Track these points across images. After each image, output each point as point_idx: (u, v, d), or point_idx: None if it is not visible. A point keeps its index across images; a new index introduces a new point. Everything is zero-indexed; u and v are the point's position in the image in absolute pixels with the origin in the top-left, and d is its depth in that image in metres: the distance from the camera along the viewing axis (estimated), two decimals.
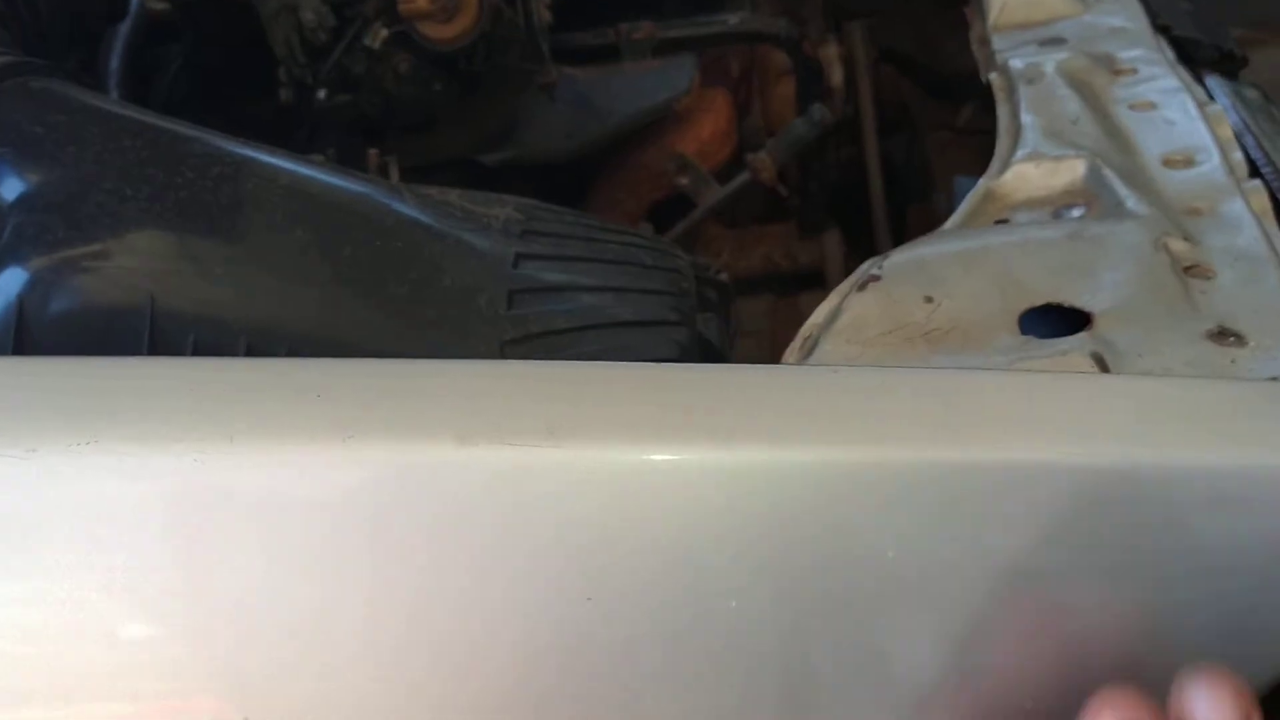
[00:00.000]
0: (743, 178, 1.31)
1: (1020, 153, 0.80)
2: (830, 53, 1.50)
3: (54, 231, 0.72)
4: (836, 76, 1.49)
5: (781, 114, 1.50)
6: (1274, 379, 0.57)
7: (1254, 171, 0.80)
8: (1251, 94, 0.97)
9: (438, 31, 1.14)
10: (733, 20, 1.43)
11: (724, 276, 0.96)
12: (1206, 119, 0.82)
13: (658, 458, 0.47)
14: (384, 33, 1.16)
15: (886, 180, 1.50)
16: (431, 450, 0.47)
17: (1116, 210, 0.72)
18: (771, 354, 1.33)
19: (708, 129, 1.39)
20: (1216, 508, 0.47)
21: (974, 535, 0.47)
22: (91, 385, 0.48)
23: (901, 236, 1.49)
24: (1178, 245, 0.67)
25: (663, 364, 0.51)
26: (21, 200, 0.73)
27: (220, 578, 0.46)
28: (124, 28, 1.22)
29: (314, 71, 1.20)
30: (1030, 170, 0.78)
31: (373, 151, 0.99)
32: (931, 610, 0.47)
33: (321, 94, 1.16)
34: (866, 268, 0.69)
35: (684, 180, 1.32)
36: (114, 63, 1.30)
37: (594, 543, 0.47)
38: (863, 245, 1.48)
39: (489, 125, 1.26)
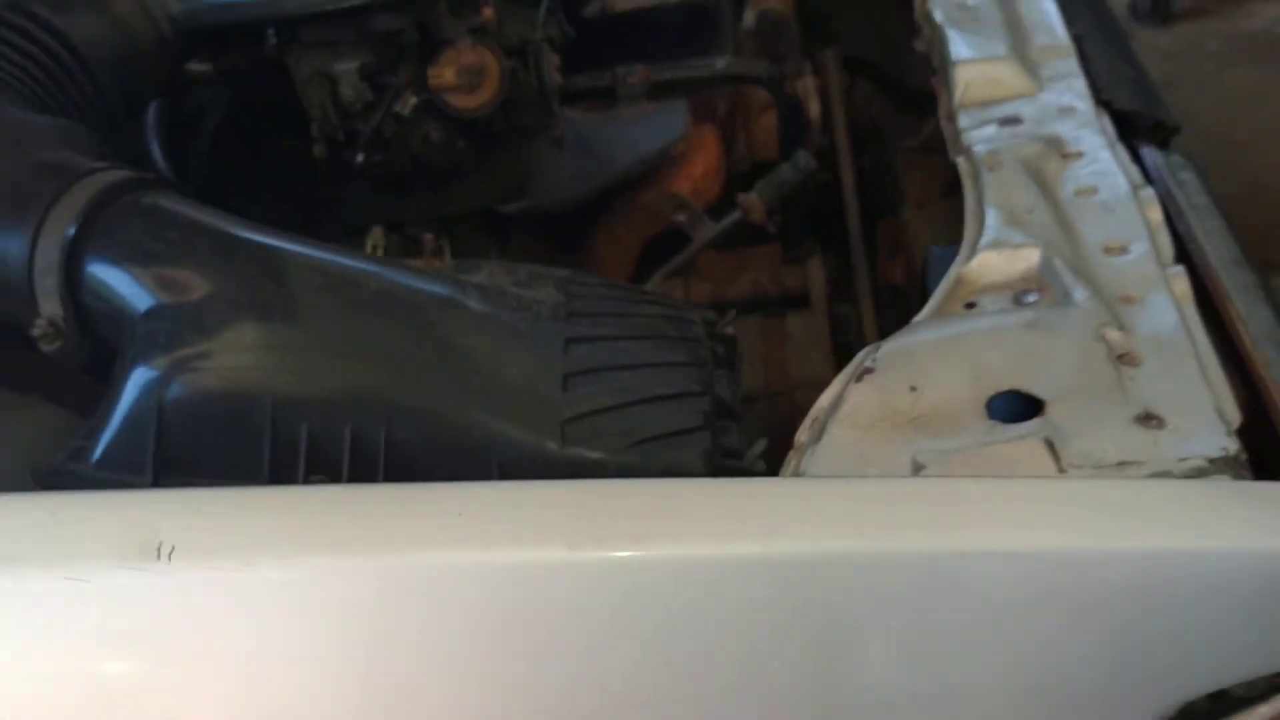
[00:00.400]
0: (734, 216, 1.45)
1: (985, 240, 0.95)
2: (808, 86, 1.64)
3: (181, 337, 0.85)
4: (815, 109, 1.63)
5: (765, 144, 1.63)
6: (1184, 460, 0.73)
7: (1181, 252, 0.95)
8: (1178, 162, 1.12)
9: (464, 101, 1.27)
10: (720, 64, 1.57)
11: (730, 330, 1.10)
12: (1139, 204, 0.97)
13: (718, 554, 0.63)
14: (413, 100, 1.28)
15: (859, 194, 1.65)
16: (548, 555, 0.61)
17: (1065, 298, 0.88)
18: (765, 376, 1.49)
19: (700, 167, 1.52)
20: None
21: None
22: (292, 507, 0.62)
23: (874, 247, 1.64)
24: (1113, 335, 0.83)
25: (718, 480, 0.66)
26: (150, 311, 0.87)
27: (394, 668, 0.61)
28: None
29: (346, 130, 1.32)
30: (993, 258, 0.93)
31: (428, 237, 1.11)
32: (929, 666, 0.63)
33: (359, 158, 1.29)
34: (862, 358, 0.84)
35: (681, 218, 1.46)
36: (151, 117, 1.41)
37: (672, 621, 0.63)
38: (840, 259, 1.64)
39: (505, 177, 1.39)
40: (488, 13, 1.26)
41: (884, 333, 1.38)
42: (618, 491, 0.65)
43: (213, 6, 1.25)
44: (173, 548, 0.60)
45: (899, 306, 1.44)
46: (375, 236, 1.33)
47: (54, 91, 1.14)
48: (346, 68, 1.24)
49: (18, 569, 0.60)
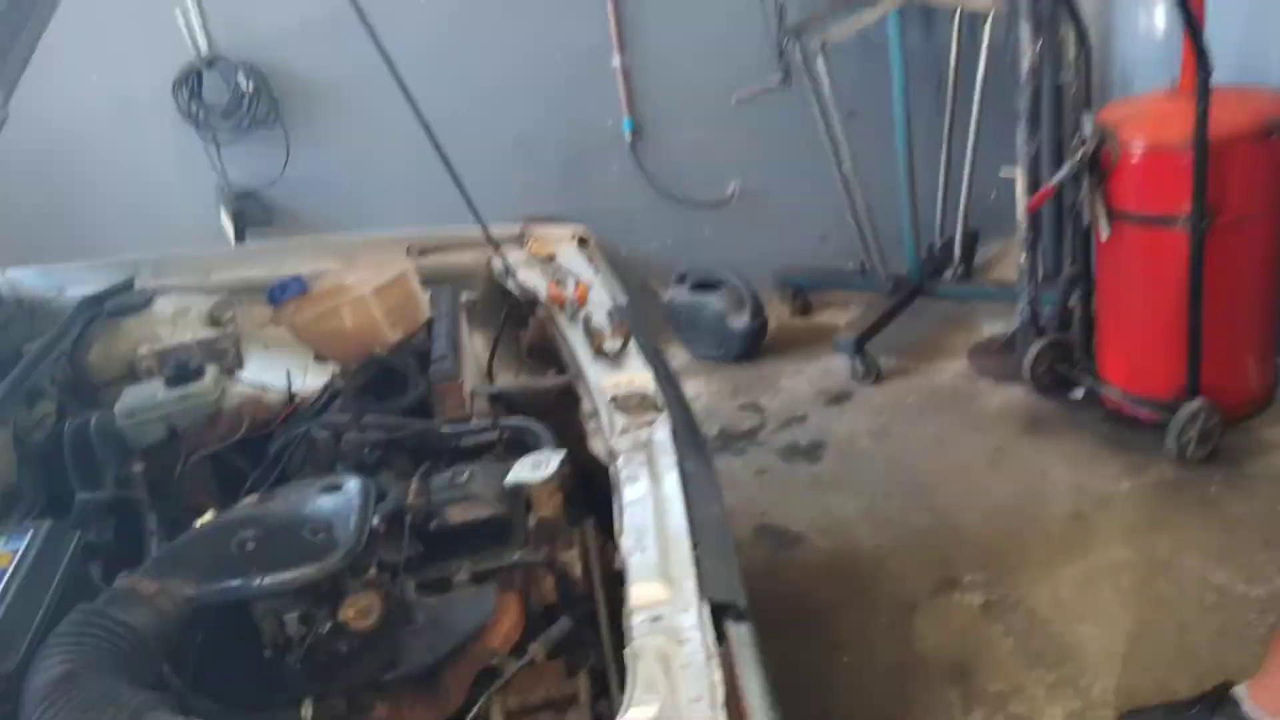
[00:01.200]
0: (528, 659, 2.39)
1: (636, 698, 1.90)
2: (572, 557, 2.64)
3: None
4: (577, 571, 2.63)
5: (547, 597, 2.60)
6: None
7: (730, 693, 1.92)
8: (745, 631, 2.11)
9: (361, 624, 2.21)
10: (515, 556, 2.56)
11: None
12: (710, 669, 1.94)
13: None
14: (329, 624, 2.21)
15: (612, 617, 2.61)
16: None
17: None
18: None
19: (506, 625, 2.47)
20: None
21: None
22: None
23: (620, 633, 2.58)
24: None
25: None
26: None
27: None
28: None
29: (284, 642, 2.23)
30: (637, 713, 1.88)
31: None
32: None
33: (297, 664, 2.20)
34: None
35: (495, 661, 2.39)
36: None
37: None
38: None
39: (386, 658, 2.31)
40: (371, 574, 2.23)
41: None
42: None
43: (211, 592, 2.18)
44: None
45: None
46: (307, 706, 2.22)
47: (127, 660, 2.03)
48: (290, 615, 2.17)
49: None
